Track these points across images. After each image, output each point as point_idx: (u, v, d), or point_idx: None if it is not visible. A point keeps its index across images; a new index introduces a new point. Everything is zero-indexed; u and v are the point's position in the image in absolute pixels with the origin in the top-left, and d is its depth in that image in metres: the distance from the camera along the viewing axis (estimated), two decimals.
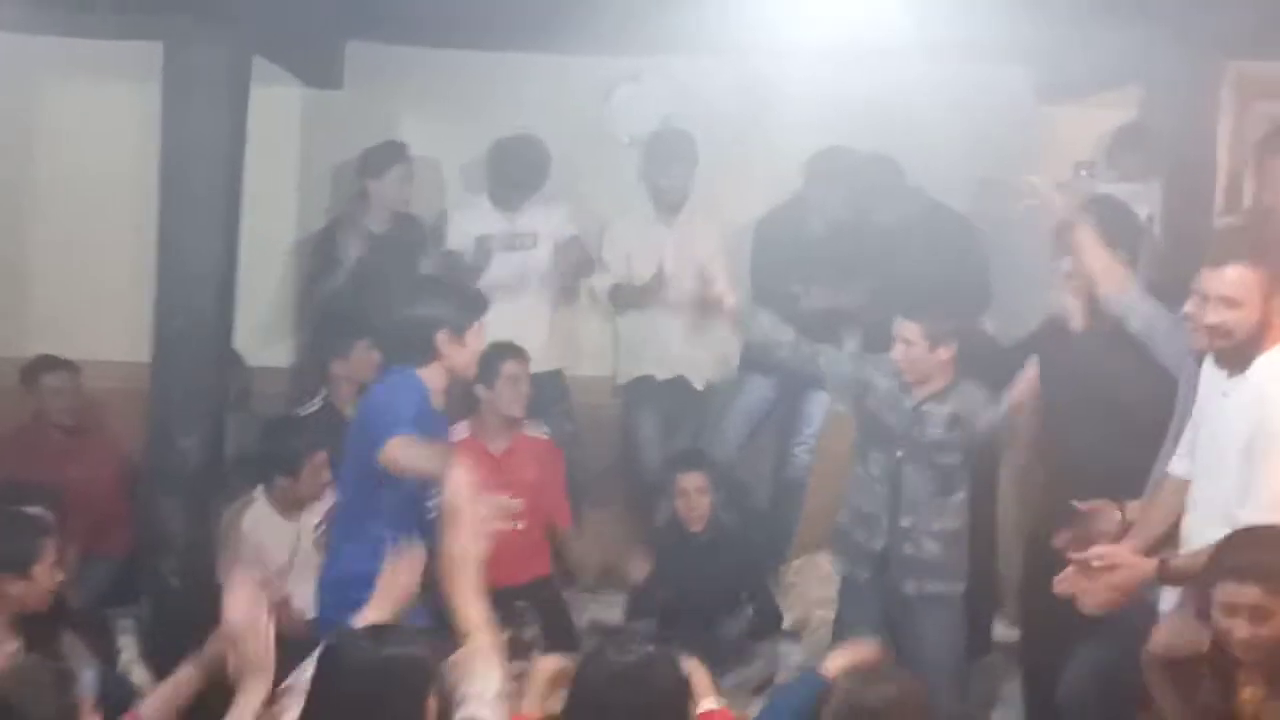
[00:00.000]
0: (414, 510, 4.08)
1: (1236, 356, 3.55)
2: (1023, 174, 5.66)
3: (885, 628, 4.57)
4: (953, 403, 4.51)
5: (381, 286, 5.64)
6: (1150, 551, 3.66)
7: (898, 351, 4.51)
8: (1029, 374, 4.51)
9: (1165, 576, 3.55)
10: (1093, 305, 4.25)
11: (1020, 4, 4.59)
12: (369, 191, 6.01)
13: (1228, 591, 3.17)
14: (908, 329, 4.50)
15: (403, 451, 3.84)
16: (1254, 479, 3.43)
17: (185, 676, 3.47)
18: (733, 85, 5.98)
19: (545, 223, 6.07)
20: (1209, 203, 4.82)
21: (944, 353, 4.49)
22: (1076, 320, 4.35)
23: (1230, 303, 3.49)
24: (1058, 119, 6.10)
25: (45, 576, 4.04)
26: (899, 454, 4.56)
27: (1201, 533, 3.52)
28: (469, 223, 6.06)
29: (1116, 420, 4.11)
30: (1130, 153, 5.53)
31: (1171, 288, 3.92)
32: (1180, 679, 3.41)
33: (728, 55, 5.77)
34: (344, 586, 4.01)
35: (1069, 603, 3.63)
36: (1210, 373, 3.65)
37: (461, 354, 4.20)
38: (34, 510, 4.31)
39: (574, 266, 6.10)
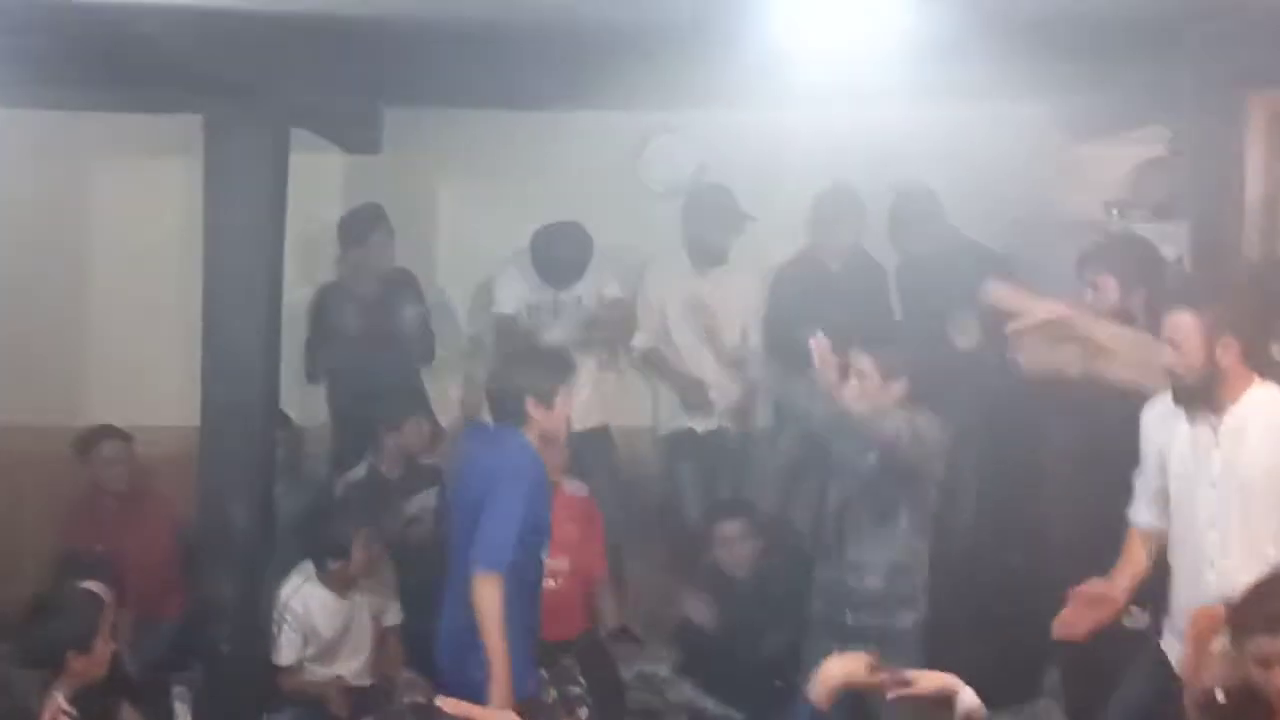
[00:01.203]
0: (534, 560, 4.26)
1: (1202, 406, 3.67)
2: (1051, 213, 5.81)
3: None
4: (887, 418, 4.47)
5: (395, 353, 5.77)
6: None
7: (850, 386, 4.52)
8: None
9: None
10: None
11: (1046, 42, 4.61)
12: (352, 259, 6.09)
13: (1263, 645, 3.18)
14: (862, 361, 4.53)
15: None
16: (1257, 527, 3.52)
17: None
18: (762, 135, 6.03)
19: (591, 286, 6.11)
20: (1237, 240, 4.81)
21: (896, 388, 4.51)
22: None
23: (1174, 344, 3.66)
24: (1086, 157, 6.11)
25: (104, 649, 4.16)
26: (844, 485, 4.59)
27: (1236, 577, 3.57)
28: (516, 289, 6.11)
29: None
30: (1157, 190, 5.55)
31: None
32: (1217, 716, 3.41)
33: (756, 106, 5.83)
34: (460, 633, 4.21)
35: (1106, 644, 3.69)
36: (1177, 429, 3.76)
37: (550, 418, 4.31)
38: (91, 584, 4.42)
39: (616, 328, 6.14)
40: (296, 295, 5.75)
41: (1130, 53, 4.81)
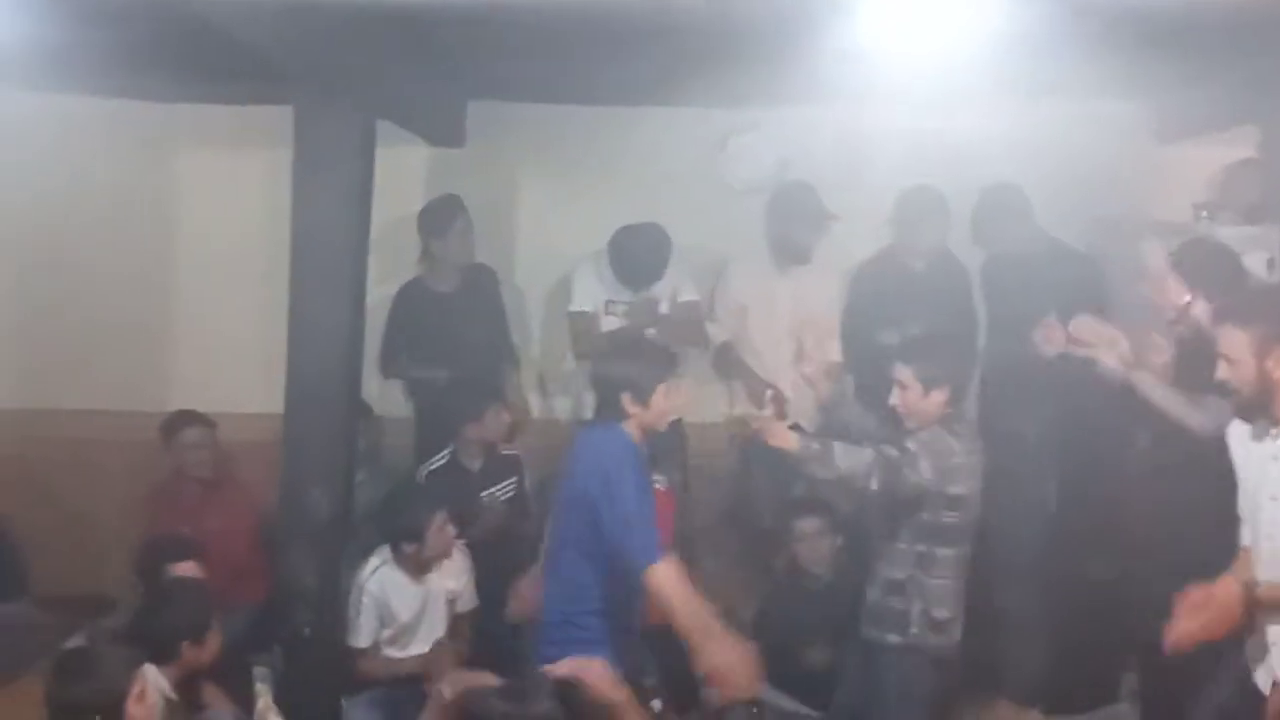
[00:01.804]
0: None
1: (1262, 420, 3.71)
2: (1137, 213, 5.74)
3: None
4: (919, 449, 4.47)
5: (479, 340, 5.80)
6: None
7: (895, 396, 4.54)
8: None
9: (1253, 601, 3.61)
10: None
11: (1135, 40, 4.58)
12: (433, 251, 6.13)
13: None
14: (902, 373, 4.53)
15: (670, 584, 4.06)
16: None
17: None
18: (845, 132, 6.03)
19: (668, 287, 6.11)
20: None
21: (937, 396, 4.51)
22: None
23: (1227, 359, 3.71)
24: (1176, 158, 6.07)
25: (215, 639, 4.32)
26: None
27: None
28: (593, 288, 6.13)
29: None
30: (1247, 193, 5.49)
31: None
32: None
33: (839, 103, 5.82)
34: (561, 627, 4.27)
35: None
36: (1244, 442, 3.78)
37: (646, 415, 4.31)
38: (185, 565, 4.54)
39: (690, 330, 6.11)
40: (379, 291, 5.82)
41: (1222, 52, 4.78)
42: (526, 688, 3.21)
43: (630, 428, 4.31)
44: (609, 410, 4.37)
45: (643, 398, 4.29)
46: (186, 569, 4.68)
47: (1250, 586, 3.62)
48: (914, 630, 4.56)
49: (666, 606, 4.05)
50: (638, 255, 5.97)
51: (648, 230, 5.95)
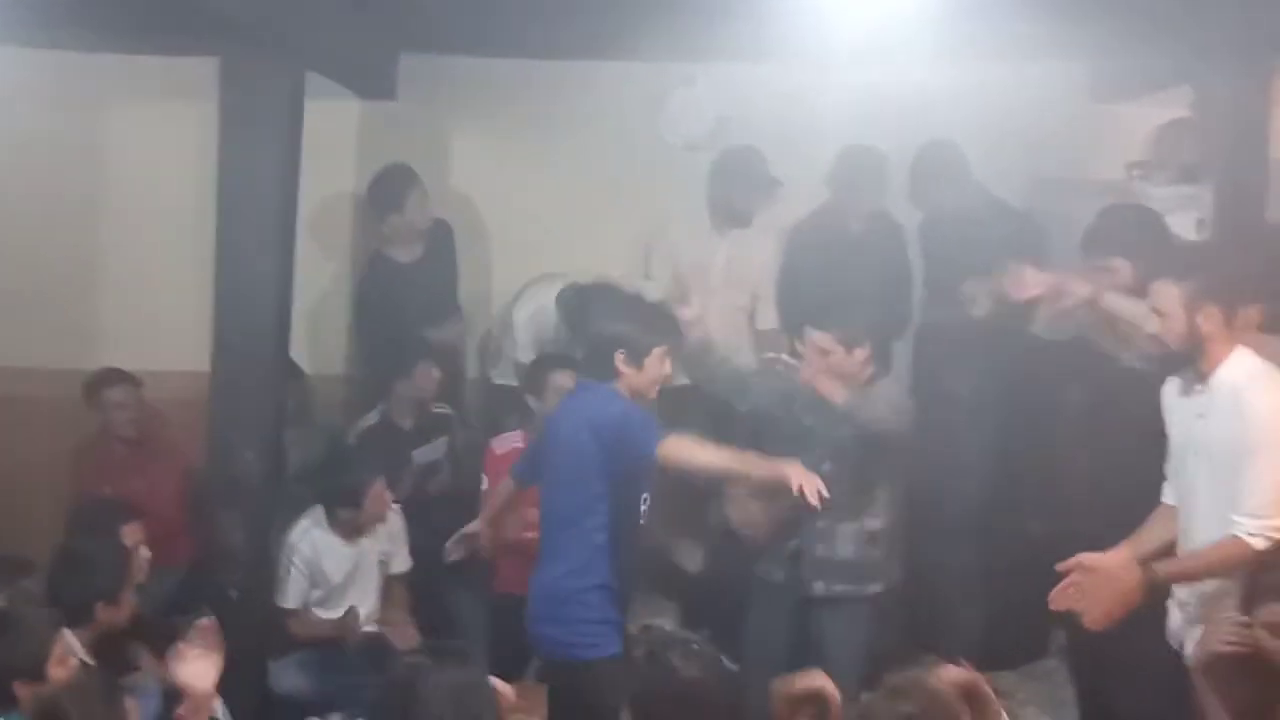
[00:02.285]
0: (633, 516, 4.23)
1: (1190, 374, 3.75)
2: (1074, 172, 5.76)
3: (793, 628, 4.71)
4: (866, 401, 4.50)
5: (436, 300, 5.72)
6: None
7: (812, 361, 4.55)
8: None
9: (1154, 578, 3.65)
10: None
11: (1074, 3, 4.60)
12: (394, 225, 6.07)
13: (1274, 612, 3.26)
14: (819, 338, 4.55)
15: (681, 450, 4.07)
16: (1244, 485, 3.55)
17: None
18: (782, 90, 6.00)
19: None
20: (1260, 204, 4.81)
21: (860, 353, 4.54)
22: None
23: (1159, 313, 3.73)
24: (1111, 118, 6.10)
25: (129, 599, 4.29)
26: (818, 454, 4.50)
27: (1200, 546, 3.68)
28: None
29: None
30: (1180, 153, 5.53)
31: None
32: (1226, 685, 3.44)
33: (778, 61, 5.80)
34: (557, 587, 4.21)
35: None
36: (1175, 397, 3.83)
37: (638, 378, 4.19)
38: (130, 527, 4.54)
39: None
40: (310, 246, 5.75)
41: (1157, 14, 4.80)
42: (453, 652, 3.15)
43: (620, 389, 4.18)
44: (598, 368, 4.22)
45: (638, 359, 4.17)
46: (133, 532, 4.62)
47: (1149, 570, 3.66)
48: (892, 574, 4.62)
49: (691, 465, 4.12)
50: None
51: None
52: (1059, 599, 3.73)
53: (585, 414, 4.17)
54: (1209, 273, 3.75)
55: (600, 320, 4.27)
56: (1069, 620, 4.74)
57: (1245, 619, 3.38)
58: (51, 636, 3.67)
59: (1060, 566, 3.75)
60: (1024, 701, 5.18)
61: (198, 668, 3.51)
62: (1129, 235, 4.40)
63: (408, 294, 6.04)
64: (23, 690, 3.56)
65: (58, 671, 3.60)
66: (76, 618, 4.04)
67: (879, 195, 5.97)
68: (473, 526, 4.78)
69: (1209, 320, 3.66)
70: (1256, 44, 4.77)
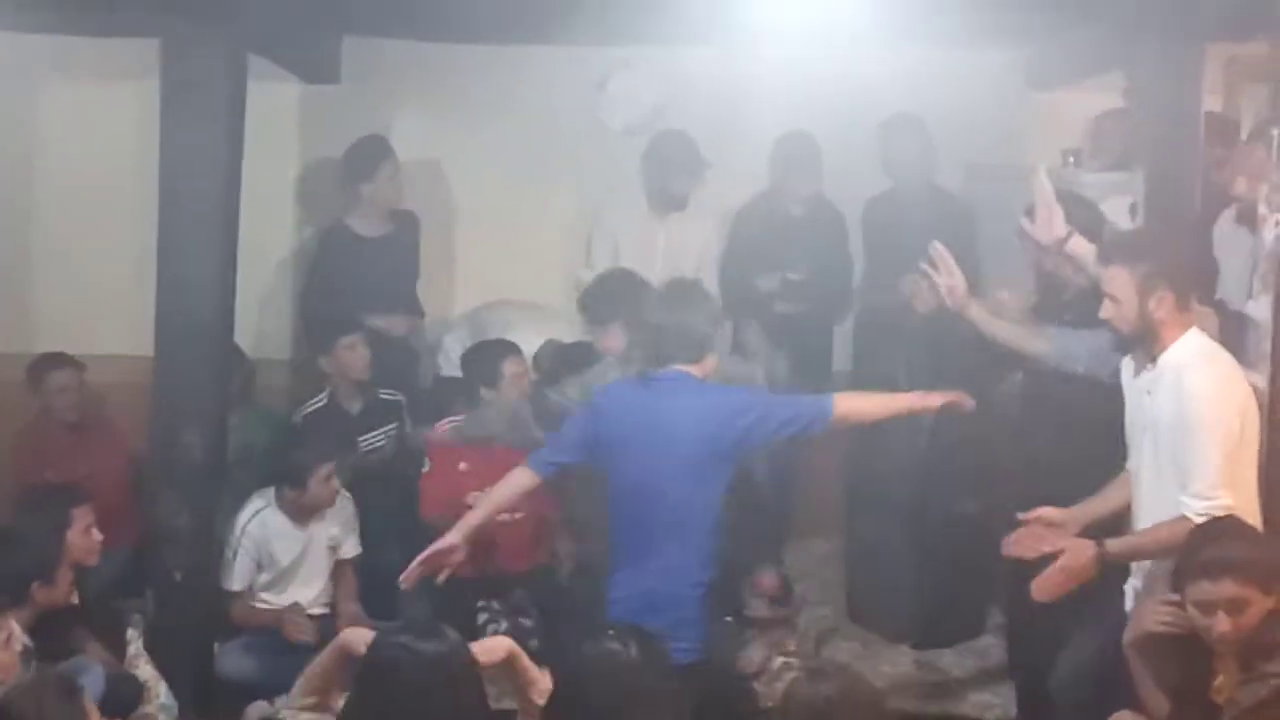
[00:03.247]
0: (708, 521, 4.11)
1: (1141, 355, 3.80)
2: (1009, 159, 5.80)
3: None
4: None
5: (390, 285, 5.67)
6: (1088, 531, 3.83)
7: None
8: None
9: (1104, 556, 3.69)
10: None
11: None
12: (362, 195, 6.01)
13: (1203, 590, 3.27)
14: None
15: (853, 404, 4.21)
16: (1190, 465, 3.59)
17: None
18: (720, 74, 6.00)
19: None
20: (1193, 189, 4.85)
21: None
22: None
23: (1112, 299, 3.76)
24: (1046, 105, 6.16)
25: (66, 578, 4.23)
26: None
27: (1147, 523, 3.73)
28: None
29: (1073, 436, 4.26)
30: (1113, 140, 5.59)
31: None
32: (1157, 665, 3.48)
33: (716, 44, 5.80)
34: (660, 605, 4.00)
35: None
36: (1129, 377, 3.88)
37: (707, 365, 4.18)
38: (80, 510, 4.46)
39: None
40: (252, 233, 5.67)
41: (1089, 2, 4.84)
42: (431, 628, 3.16)
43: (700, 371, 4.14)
44: (683, 352, 4.14)
45: (700, 355, 4.15)
46: (83, 515, 4.56)
47: (1101, 546, 3.70)
48: None
49: (865, 416, 4.27)
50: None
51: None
52: (1016, 545, 3.79)
53: (700, 404, 4.09)
54: (1160, 258, 3.78)
55: (683, 311, 4.23)
56: (1009, 598, 4.84)
57: (1177, 598, 3.41)
58: None
59: (1023, 516, 3.83)
60: (962, 679, 5.22)
61: None
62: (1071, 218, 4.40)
63: (361, 268, 5.96)
64: None
65: (3, 656, 3.55)
66: (13, 598, 3.96)
67: (817, 180, 5.99)
68: (447, 541, 4.36)
69: (1160, 305, 3.69)
70: (1188, 26, 4.80)
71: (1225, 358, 3.75)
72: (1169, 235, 4.19)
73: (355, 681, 3.14)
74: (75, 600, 4.45)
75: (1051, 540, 3.75)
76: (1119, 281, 3.75)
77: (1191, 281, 3.83)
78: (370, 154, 5.98)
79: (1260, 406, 3.82)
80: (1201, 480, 3.55)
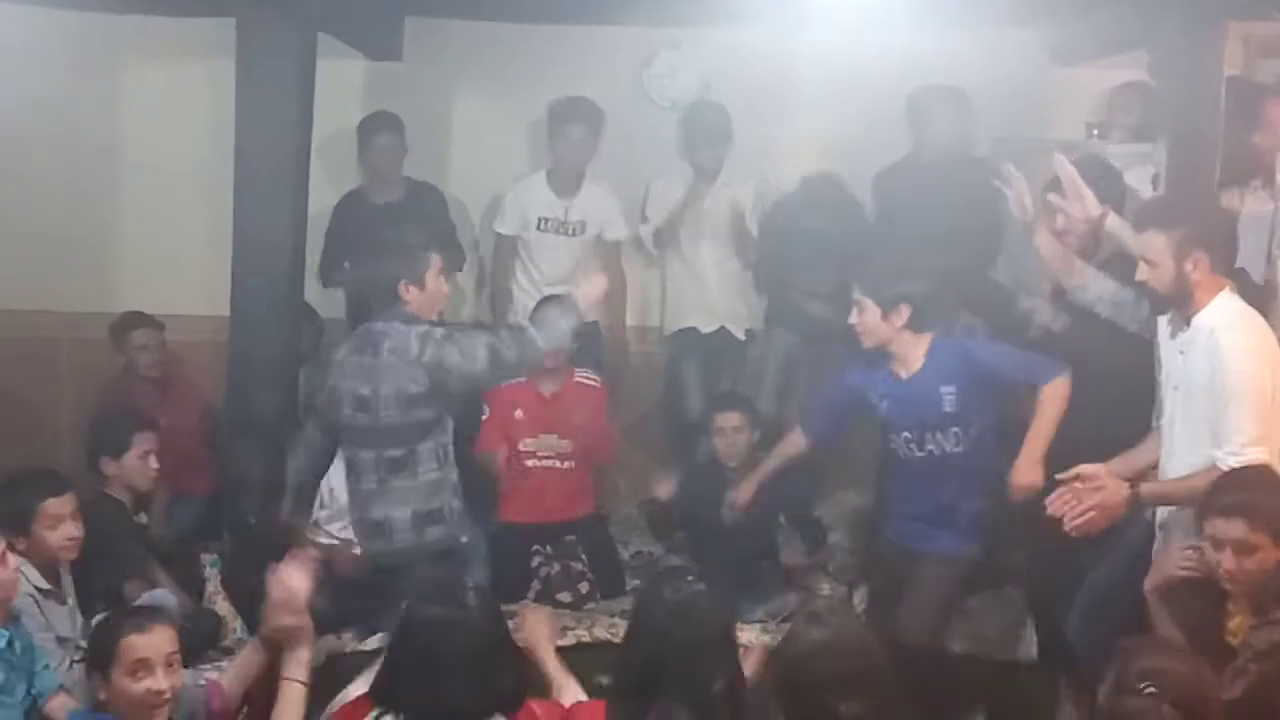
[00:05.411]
0: None
1: (1177, 316, 3.75)
2: (1034, 132, 5.72)
3: None
4: None
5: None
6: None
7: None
8: None
9: (1137, 498, 3.68)
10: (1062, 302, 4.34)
11: None
12: (364, 162, 6.00)
13: (1216, 527, 3.29)
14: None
15: None
16: (1224, 423, 3.56)
17: (251, 651, 3.53)
18: (761, 54, 5.94)
19: (595, 211, 6.06)
20: (1213, 160, 4.77)
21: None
22: (1055, 322, 4.45)
23: (1149, 263, 3.71)
24: (1069, 80, 6.06)
25: (134, 464, 4.40)
26: None
27: (1177, 474, 3.70)
28: (526, 201, 6.05)
29: (1106, 391, 4.16)
30: (1135, 113, 5.51)
31: None
32: (1175, 607, 3.46)
33: (757, 26, 5.75)
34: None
35: (1068, 536, 3.72)
36: (1165, 337, 3.83)
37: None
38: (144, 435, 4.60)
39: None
40: (321, 201, 5.68)
41: None
42: (456, 591, 3.14)
43: None
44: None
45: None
46: (146, 440, 4.59)
47: (1135, 489, 3.68)
48: None
49: (1052, 414, 4.21)
50: (570, 125, 5.90)
51: (580, 102, 5.91)
52: (1055, 504, 3.72)
53: (967, 359, 4.35)
54: (1195, 222, 3.72)
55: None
56: (1029, 550, 4.80)
57: (1197, 544, 3.40)
58: None
59: (1061, 476, 3.77)
60: (984, 622, 5.19)
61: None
62: (1093, 186, 4.32)
63: (366, 230, 5.78)
64: None
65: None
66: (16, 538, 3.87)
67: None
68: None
69: (1198, 266, 3.65)
70: (1209, 5, 4.74)
71: (1257, 319, 3.71)
72: (1201, 200, 4.10)
73: (389, 650, 3.12)
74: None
75: (1092, 499, 3.68)
76: (1156, 245, 3.69)
77: (1224, 245, 3.77)
78: (369, 127, 5.95)
79: None
80: (1236, 438, 3.53)
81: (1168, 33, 4.93)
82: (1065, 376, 4.19)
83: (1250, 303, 3.89)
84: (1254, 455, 3.50)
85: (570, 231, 6.03)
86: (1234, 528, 3.24)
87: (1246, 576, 3.25)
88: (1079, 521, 3.66)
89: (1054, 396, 4.20)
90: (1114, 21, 5.42)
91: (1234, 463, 3.50)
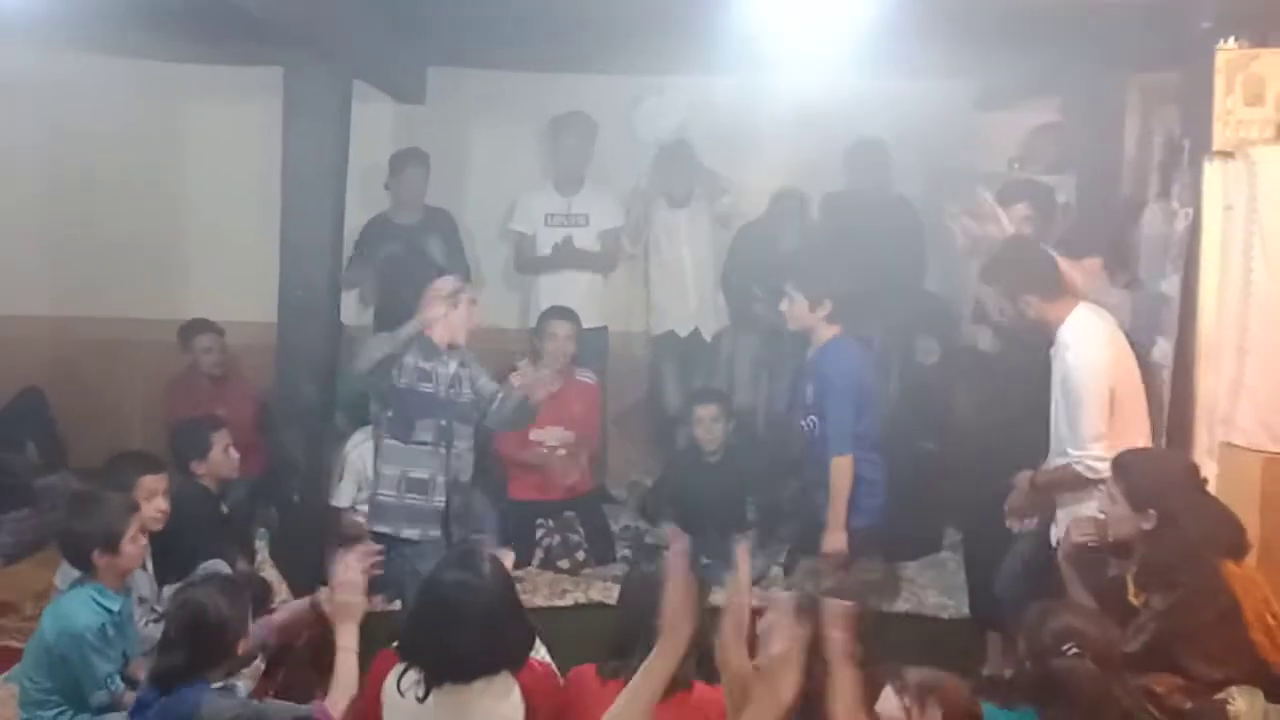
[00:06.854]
0: None
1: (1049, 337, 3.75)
2: (960, 167, 5.72)
3: None
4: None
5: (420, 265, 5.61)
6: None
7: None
8: None
9: (1036, 486, 3.77)
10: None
11: (959, 29, 4.55)
12: (392, 188, 5.95)
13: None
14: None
15: None
16: (1072, 423, 3.61)
17: (306, 610, 3.48)
18: (733, 98, 5.90)
19: (595, 205, 6.02)
20: (1115, 190, 4.79)
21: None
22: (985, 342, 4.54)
23: (999, 311, 3.84)
24: (994, 122, 6.03)
25: (219, 458, 4.37)
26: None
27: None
28: (535, 203, 6.04)
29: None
30: (1050, 149, 5.49)
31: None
32: (1084, 572, 3.44)
33: (730, 73, 5.72)
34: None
35: (999, 516, 3.84)
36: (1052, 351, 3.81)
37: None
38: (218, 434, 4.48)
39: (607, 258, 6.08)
40: (354, 222, 5.63)
41: (1030, 38, 4.76)
42: (469, 558, 3.06)
43: None
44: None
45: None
46: (222, 436, 4.52)
47: (1033, 476, 3.77)
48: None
49: (841, 488, 4.35)
50: (567, 136, 5.94)
51: (575, 117, 5.97)
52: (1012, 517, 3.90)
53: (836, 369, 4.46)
54: (1008, 271, 3.76)
55: None
56: (963, 520, 4.79)
57: (1098, 516, 3.39)
58: (125, 517, 3.48)
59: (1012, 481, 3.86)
60: (924, 585, 5.17)
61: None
62: (1029, 190, 4.33)
63: (394, 247, 5.87)
64: (100, 559, 3.41)
65: (130, 548, 3.47)
66: (77, 563, 3.55)
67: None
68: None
69: (1031, 305, 3.69)
70: (1113, 59, 4.73)
71: (1104, 329, 3.68)
72: (1018, 250, 4.01)
73: (412, 611, 3.06)
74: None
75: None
76: (992, 296, 3.84)
77: (1043, 280, 3.72)
78: (401, 160, 5.91)
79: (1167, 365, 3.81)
80: (1079, 436, 3.57)
81: (1077, 82, 4.92)
82: (846, 456, 4.33)
83: (1147, 312, 3.89)
84: (1093, 453, 3.53)
85: (575, 224, 5.99)
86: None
87: (1109, 537, 3.32)
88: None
89: (838, 470, 4.34)
90: (1031, 72, 5.41)
91: (1077, 455, 3.55)
